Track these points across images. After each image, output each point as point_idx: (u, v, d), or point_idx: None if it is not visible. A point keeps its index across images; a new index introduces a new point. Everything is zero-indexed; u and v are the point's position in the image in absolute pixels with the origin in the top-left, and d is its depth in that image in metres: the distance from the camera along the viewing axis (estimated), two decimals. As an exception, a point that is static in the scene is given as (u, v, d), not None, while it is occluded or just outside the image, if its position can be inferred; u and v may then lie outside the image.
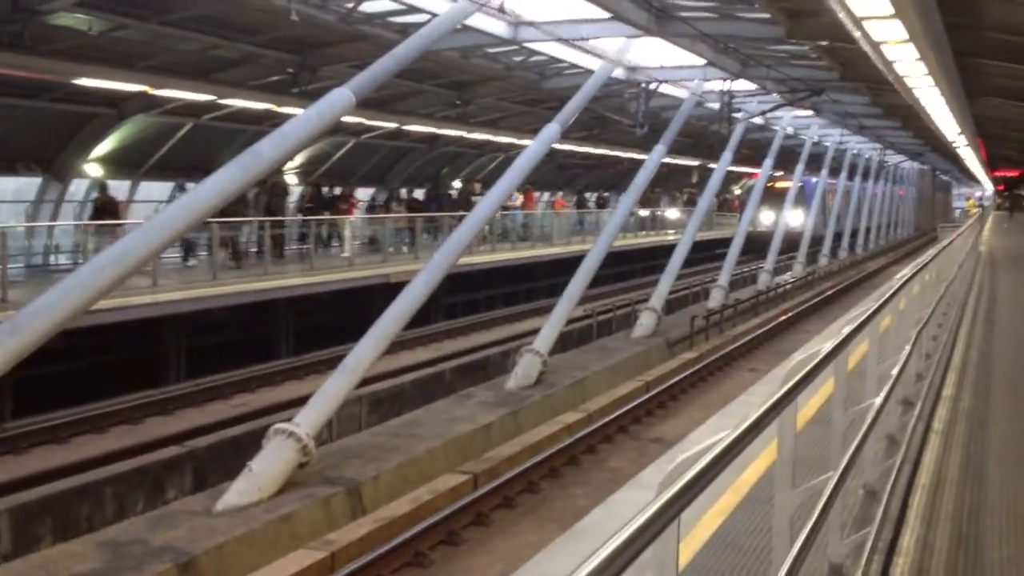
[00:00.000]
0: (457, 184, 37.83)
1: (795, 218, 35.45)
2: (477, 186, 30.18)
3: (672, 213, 45.68)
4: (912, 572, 4.65)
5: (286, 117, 15.20)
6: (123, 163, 22.66)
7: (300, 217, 24.51)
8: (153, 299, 16.01)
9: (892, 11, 8.97)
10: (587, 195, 42.70)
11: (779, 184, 39.54)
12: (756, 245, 32.78)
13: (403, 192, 30.79)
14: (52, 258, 20.11)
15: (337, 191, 26.86)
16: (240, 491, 8.79)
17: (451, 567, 8.57)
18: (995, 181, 59.08)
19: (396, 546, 8.41)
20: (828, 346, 4.05)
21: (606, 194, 44.56)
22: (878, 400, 5.37)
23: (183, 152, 23.37)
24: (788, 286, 28.58)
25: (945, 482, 6.11)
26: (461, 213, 28.15)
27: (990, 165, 43.48)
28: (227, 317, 18.81)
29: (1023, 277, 21.30)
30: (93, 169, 22.28)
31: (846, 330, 4.58)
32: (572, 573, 1.65)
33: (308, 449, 9.35)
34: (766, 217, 38.96)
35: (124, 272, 8.22)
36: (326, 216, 24.73)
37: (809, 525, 3.51)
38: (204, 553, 7.67)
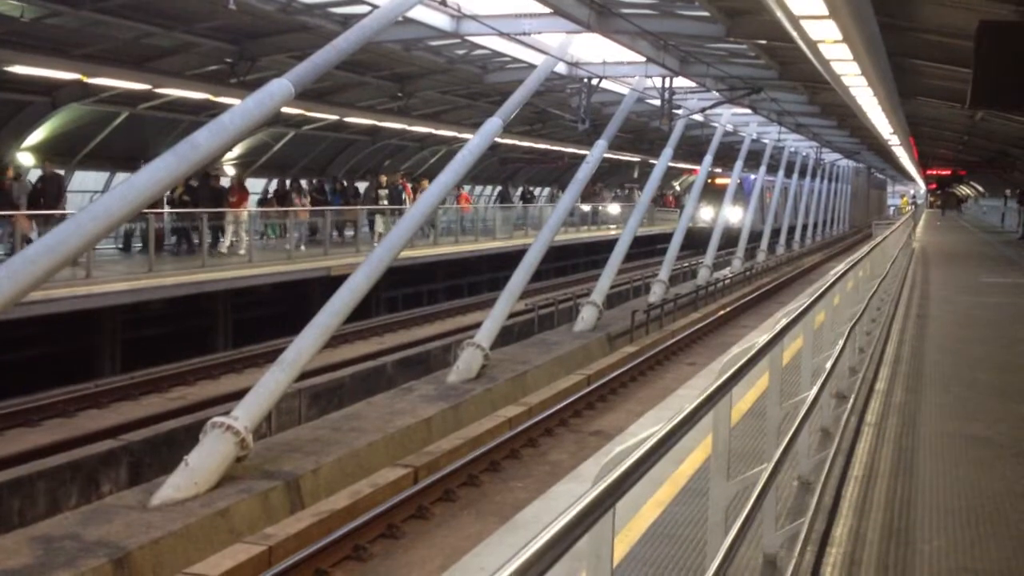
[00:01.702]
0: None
1: (733, 214, 35.91)
2: (383, 179, 29.13)
3: (612, 208, 45.84)
4: (845, 562, 4.74)
5: (224, 107, 15.02)
6: (57, 152, 22.21)
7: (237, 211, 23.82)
8: (87, 290, 15.74)
9: (827, 11, 9.11)
10: (511, 189, 42.20)
11: (718, 180, 39.98)
12: (694, 241, 33.09)
13: (304, 183, 29.38)
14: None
15: (225, 183, 24.71)
16: (176, 485, 8.68)
17: (391, 561, 8.56)
18: (927, 180, 60.30)
19: (335, 540, 8.36)
20: (763, 340, 4.11)
21: (532, 189, 44.20)
22: (812, 393, 5.46)
23: (118, 141, 22.99)
24: (727, 281, 28.92)
25: (877, 474, 6.24)
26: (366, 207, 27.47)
27: (922, 164, 44.38)
28: (164, 309, 18.58)
29: (955, 273, 21.79)
30: (26, 158, 21.83)
31: (781, 324, 4.65)
32: (505, 564, 1.66)
33: (246, 443, 9.26)
34: (705, 213, 39.38)
35: (57, 263, 8.06)
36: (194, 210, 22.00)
37: (743, 516, 3.56)
38: (139, 548, 7.56)
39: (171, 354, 16.92)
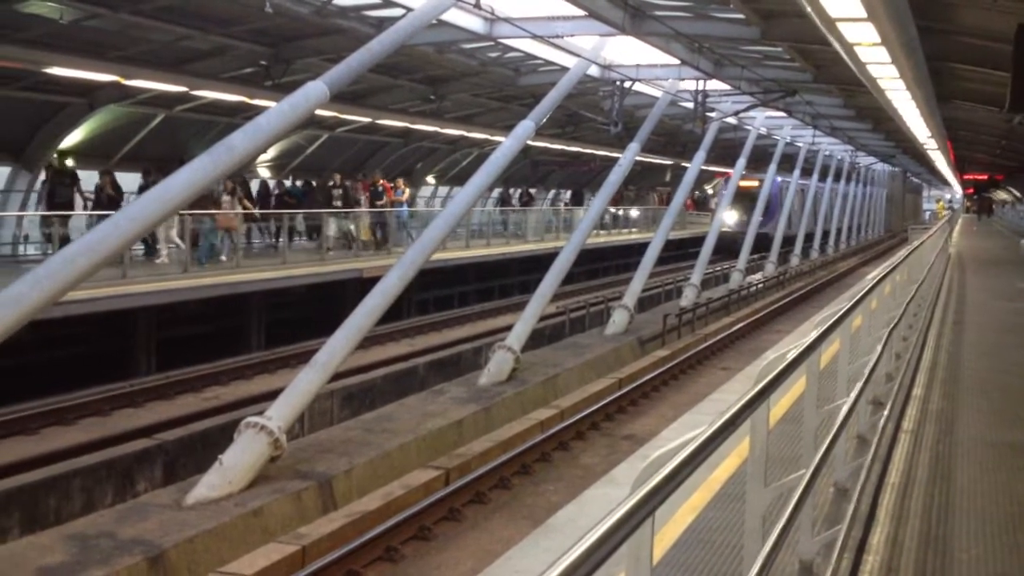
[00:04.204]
0: (431, 179, 37.66)
1: (730, 217, 35.53)
2: (337, 177, 26.37)
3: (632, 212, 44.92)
4: (882, 570, 4.69)
5: (259, 110, 15.12)
6: (94, 153, 22.47)
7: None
8: (123, 290, 15.89)
9: (865, 14, 9.04)
10: (511, 191, 40.78)
11: (742, 183, 39.41)
12: (717, 246, 32.68)
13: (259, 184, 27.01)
14: (21, 248, 19.86)
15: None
16: (210, 484, 8.74)
17: (423, 562, 8.57)
18: (964, 184, 59.68)
19: (368, 541, 8.39)
20: (801, 345, 4.08)
21: (532, 190, 43.02)
22: (849, 400, 5.41)
23: (155, 143, 23.21)
24: (760, 286, 28.76)
25: (914, 482, 6.17)
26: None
27: (959, 168, 43.90)
28: (198, 310, 18.72)
29: (992, 279, 21.52)
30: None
31: (818, 330, 4.61)
32: (550, 568, 1.65)
33: (280, 443, 9.31)
34: (729, 217, 38.71)
35: (95, 263, 8.15)
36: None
37: (782, 522, 3.53)
38: (174, 546, 7.62)
39: (205, 354, 17.05)
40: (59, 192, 19.44)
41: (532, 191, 42.75)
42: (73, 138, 21.84)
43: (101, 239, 8.23)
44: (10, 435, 12.32)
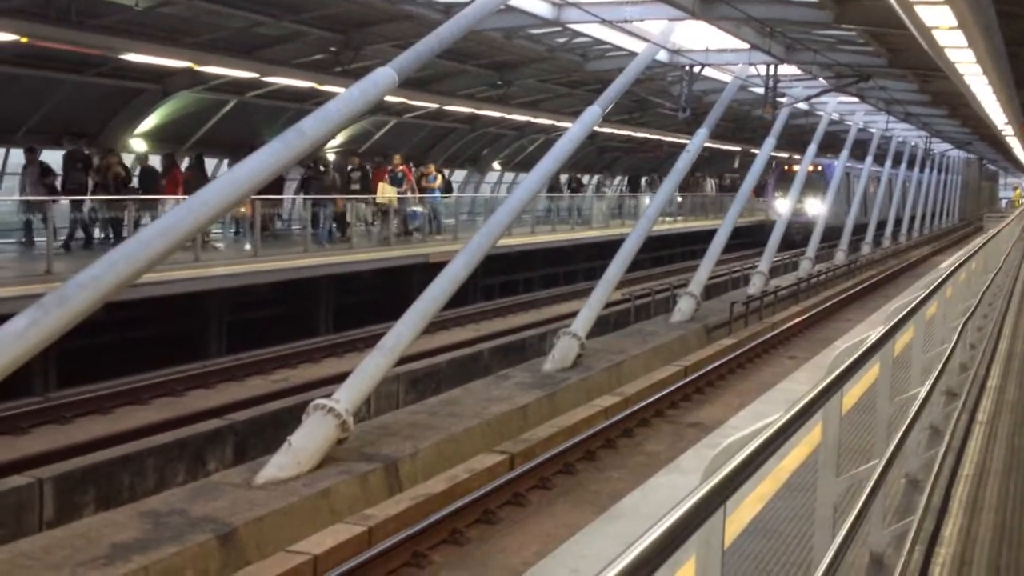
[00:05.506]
0: (497, 165, 37.65)
1: (813, 207, 34.95)
2: (355, 160, 24.69)
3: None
4: (954, 562, 4.61)
5: (329, 95, 15.25)
6: (167, 139, 22.87)
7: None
8: (196, 273, 16.18)
9: (943, -4, 8.86)
10: (562, 177, 39.48)
11: (795, 168, 38.32)
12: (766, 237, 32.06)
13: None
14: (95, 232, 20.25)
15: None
16: (280, 465, 8.87)
17: (488, 546, 8.61)
18: (1043, 171, 58.09)
19: (433, 523, 8.45)
20: (875, 334, 4.02)
21: (580, 176, 41.26)
22: (923, 390, 5.31)
23: (227, 129, 23.54)
24: (829, 274, 28.33)
25: (988, 473, 6.05)
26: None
27: (1038, 155, 42.76)
28: (268, 294, 18.99)
29: (1070, 269, 20.94)
30: (138, 144, 22.53)
31: (893, 318, 4.54)
32: (625, 551, 1.65)
33: (347, 425, 9.41)
34: (781, 206, 37.70)
35: (169, 246, 8.28)
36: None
37: (854, 513, 3.49)
38: (244, 525, 7.74)
39: (274, 337, 17.29)
40: (71, 176, 18.85)
41: (579, 176, 41.71)
42: (148, 123, 22.25)
43: (175, 223, 8.37)
44: (85, 414, 12.64)
